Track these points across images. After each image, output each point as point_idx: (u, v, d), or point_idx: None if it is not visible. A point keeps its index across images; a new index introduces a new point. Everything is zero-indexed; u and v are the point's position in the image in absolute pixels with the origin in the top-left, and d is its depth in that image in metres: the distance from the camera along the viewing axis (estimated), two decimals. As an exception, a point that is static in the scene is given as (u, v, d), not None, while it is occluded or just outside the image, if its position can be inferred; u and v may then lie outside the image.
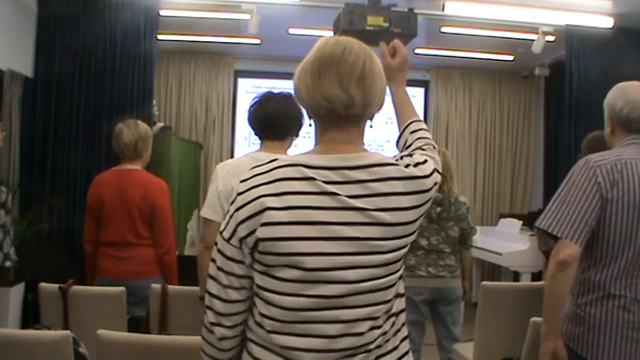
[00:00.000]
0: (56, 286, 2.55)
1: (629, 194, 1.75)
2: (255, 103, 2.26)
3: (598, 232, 1.78)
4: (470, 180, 6.77)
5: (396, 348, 1.23)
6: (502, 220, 6.12)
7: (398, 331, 1.24)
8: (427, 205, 1.21)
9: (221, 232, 1.19)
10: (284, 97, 2.21)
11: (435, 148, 1.40)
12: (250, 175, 1.18)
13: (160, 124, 5.06)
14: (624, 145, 1.86)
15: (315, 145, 1.22)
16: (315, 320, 1.12)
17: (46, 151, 4.29)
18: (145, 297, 2.66)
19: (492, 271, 6.26)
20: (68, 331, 1.85)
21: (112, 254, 2.85)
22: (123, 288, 2.56)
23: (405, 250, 1.20)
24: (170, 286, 2.66)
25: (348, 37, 1.21)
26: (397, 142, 1.47)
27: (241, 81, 6.65)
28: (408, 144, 1.41)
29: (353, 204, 1.12)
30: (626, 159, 1.79)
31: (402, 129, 1.46)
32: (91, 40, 4.32)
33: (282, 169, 1.15)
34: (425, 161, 1.25)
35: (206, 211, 2.20)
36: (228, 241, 1.17)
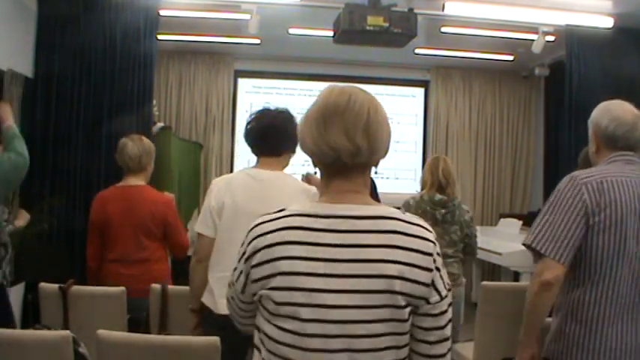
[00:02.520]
0: (56, 286, 2.55)
1: (616, 213, 1.75)
2: (251, 119, 2.26)
3: (584, 251, 1.77)
4: (470, 180, 6.77)
5: None
6: (502, 220, 6.12)
7: None
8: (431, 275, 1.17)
9: (234, 270, 1.25)
10: (279, 113, 2.21)
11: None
12: (260, 222, 1.20)
13: (160, 124, 5.05)
14: (609, 162, 1.87)
15: (321, 194, 1.23)
16: None
17: (46, 151, 4.28)
18: (146, 314, 2.68)
19: (492, 271, 6.26)
20: (68, 331, 1.86)
21: (120, 271, 2.85)
22: (123, 288, 2.56)
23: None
24: (170, 286, 2.66)
25: (352, 86, 1.22)
26: None
27: (241, 81, 6.65)
28: None
29: (360, 255, 1.12)
30: (612, 177, 1.79)
31: None
32: (91, 40, 4.32)
33: (290, 219, 1.17)
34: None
35: (199, 226, 2.21)
36: (234, 284, 1.26)
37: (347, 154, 1.15)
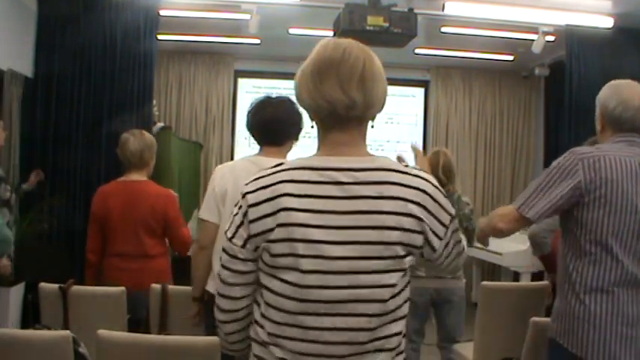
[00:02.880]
0: (56, 286, 2.55)
1: (612, 190, 1.76)
2: (252, 109, 2.24)
3: (583, 228, 1.79)
4: (470, 179, 6.77)
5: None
6: (502, 220, 6.10)
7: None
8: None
9: (225, 232, 1.21)
10: (282, 101, 2.20)
11: None
12: (258, 177, 1.19)
13: (160, 124, 5.06)
14: (613, 143, 1.87)
15: (318, 147, 1.23)
16: (312, 327, 1.13)
17: (46, 151, 4.28)
18: (146, 314, 2.67)
19: (492, 271, 6.26)
20: (68, 331, 1.86)
21: (120, 266, 2.85)
22: (123, 288, 2.56)
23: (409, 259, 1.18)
24: (170, 286, 2.66)
25: (348, 39, 1.22)
26: None
27: (241, 81, 6.65)
28: None
29: (361, 207, 1.13)
30: (611, 156, 1.80)
31: None
32: (91, 40, 4.32)
33: (289, 172, 1.16)
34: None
35: (202, 212, 2.22)
36: (230, 240, 1.19)
37: (342, 106, 1.16)
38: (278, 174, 1.16)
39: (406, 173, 1.18)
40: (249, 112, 2.26)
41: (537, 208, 1.79)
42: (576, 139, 4.58)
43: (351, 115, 1.17)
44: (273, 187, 1.15)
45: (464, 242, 1.28)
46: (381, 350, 1.16)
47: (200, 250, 2.23)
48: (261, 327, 1.18)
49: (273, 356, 1.16)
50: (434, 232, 1.18)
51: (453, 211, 1.22)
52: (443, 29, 5.11)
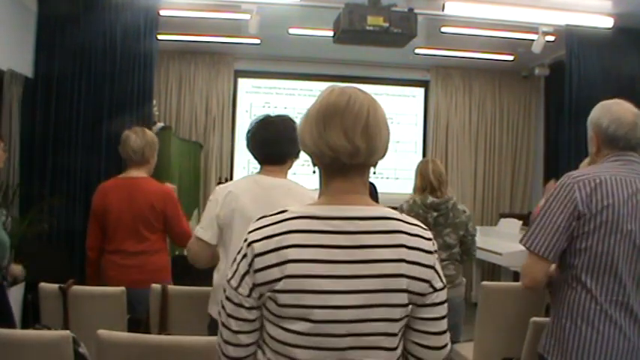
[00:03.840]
0: (56, 286, 2.55)
1: (609, 213, 1.75)
2: (252, 128, 2.23)
3: (579, 249, 1.78)
4: (470, 180, 6.77)
5: None
6: (502, 220, 6.11)
7: None
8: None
9: (228, 281, 1.20)
10: (282, 120, 2.19)
11: None
12: (263, 225, 1.18)
13: (160, 124, 5.05)
14: (608, 162, 1.86)
15: (320, 194, 1.24)
16: None
17: (46, 151, 4.28)
18: (146, 314, 2.67)
19: (492, 271, 6.26)
20: (68, 331, 1.86)
21: (118, 262, 2.86)
22: (123, 288, 2.56)
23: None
24: (170, 286, 2.66)
25: (353, 87, 1.22)
26: None
27: (241, 81, 6.65)
28: None
29: (367, 256, 1.14)
30: (606, 176, 1.79)
31: None
32: (91, 40, 4.32)
33: (295, 222, 1.16)
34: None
35: (200, 232, 2.18)
36: (236, 289, 1.18)
37: (346, 154, 1.16)
38: (284, 223, 1.16)
39: (408, 222, 1.20)
40: (249, 132, 2.25)
41: (547, 243, 1.79)
42: (576, 139, 4.58)
43: (354, 162, 1.18)
44: (280, 237, 1.15)
45: (448, 347, 1.25)
46: None
47: (192, 262, 2.25)
48: None
49: None
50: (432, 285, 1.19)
51: (444, 282, 1.22)
52: (443, 29, 5.11)
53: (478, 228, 6.13)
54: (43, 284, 2.59)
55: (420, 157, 6.80)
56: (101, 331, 1.78)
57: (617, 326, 1.75)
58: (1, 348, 1.79)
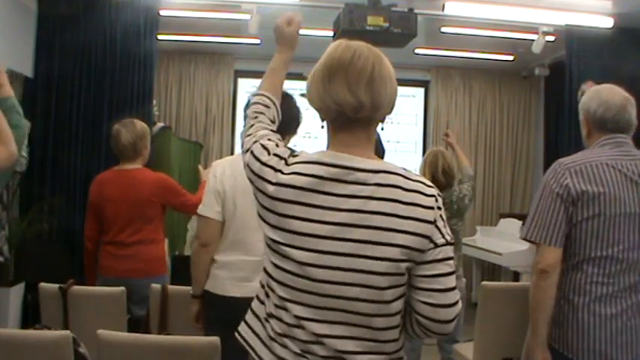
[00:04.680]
0: (56, 286, 2.55)
1: (603, 196, 1.77)
2: (249, 105, 2.24)
3: (577, 235, 1.80)
4: (470, 180, 6.76)
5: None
6: (502, 220, 6.11)
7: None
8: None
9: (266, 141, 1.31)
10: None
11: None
12: (297, 160, 1.23)
13: (160, 124, 5.06)
14: (598, 146, 1.88)
15: (327, 146, 1.27)
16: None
17: (46, 151, 4.28)
18: (145, 296, 2.67)
19: (492, 271, 6.26)
20: (68, 331, 1.86)
21: (113, 252, 2.87)
22: (123, 288, 2.56)
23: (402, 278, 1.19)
24: (170, 286, 2.66)
25: (359, 42, 1.24)
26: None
27: (241, 81, 6.65)
28: None
29: (358, 205, 1.16)
30: (596, 161, 1.81)
31: None
32: (91, 40, 4.32)
33: (300, 165, 1.21)
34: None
35: (202, 209, 2.19)
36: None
37: (350, 108, 1.18)
38: (295, 165, 1.21)
39: (408, 178, 1.19)
40: (246, 107, 2.25)
41: (553, 233, 1.80)
42: (576, 139, 4.57)
43: (358, 116, 1.19)
44: (287, 176, 1.20)
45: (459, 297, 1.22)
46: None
47: (201, 247, 2.21)
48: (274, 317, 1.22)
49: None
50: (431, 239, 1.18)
51: (450, 237, 1.22)
52: (443, 29, 5.11)
53: (478, 228, 6.17)
54: (43, 284, 2.59)
55: (420, 157, 6.80)
56: (101, 331, 1.78)
57: (617, 309, 1.76)
58: (1, 348, 1.79)
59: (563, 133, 5.02)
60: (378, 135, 4.22)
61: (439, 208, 1.20)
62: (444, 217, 1.21)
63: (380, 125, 1.27)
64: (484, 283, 2.93)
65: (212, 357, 1.76)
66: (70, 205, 4.21)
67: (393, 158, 6.59)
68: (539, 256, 1.83)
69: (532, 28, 4.84)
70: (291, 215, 1.17)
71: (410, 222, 1.15)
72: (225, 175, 2.16)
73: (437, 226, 1.18)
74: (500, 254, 5.23)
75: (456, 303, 1.20)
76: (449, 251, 1.20)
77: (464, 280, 3.33)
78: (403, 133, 6.74)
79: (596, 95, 1.93)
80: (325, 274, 1.15)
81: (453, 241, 1.21)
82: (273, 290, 1.21)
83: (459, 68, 6.67)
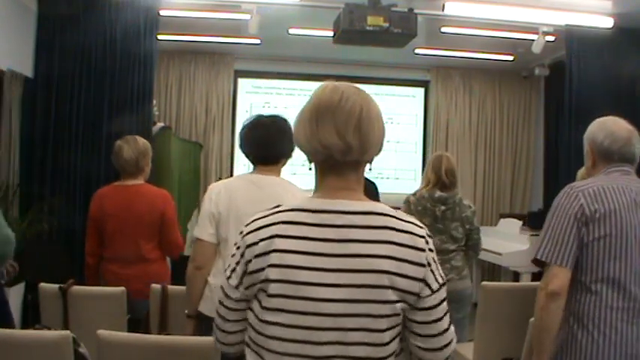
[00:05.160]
0: (56, 286, 2.55)
1: (614, 218, 1.78)
2: (245, 129, 2.24)
3: (588, 257, 1.80)
4: (470, 180, 6.77)
5: None
6: (502, 220, 6.11)
7: None
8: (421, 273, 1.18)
9: (225, 271, 1.25)
10: (274, 121, 2.20)
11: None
12: (257, 217, 1.22)
13: (160, 124, 5.05)
14: (605, 174, 1.90)
15: (315, 190, 1.25)
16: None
17: (46, 151, 4.28)
18: (145, 312, 2.67)
19: (492, 271, 6.26)
20: (68, 331, 1.86)
21: (116, 272, 2.85)
22: (123, 288, 2.56)
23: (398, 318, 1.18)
24: (170, 287, 2.66)
25: (346, 84, 1.23)
26: None
27: (241, 81, 6.65)
28: None
29: (352, 250, 1.14)
30: (608, 185, 1.83)
31: None
32: (91, 40, 4.32)
33: (286, 214, 1.18)
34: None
35: (198, 231, 2.19)
36: (228, 279, 1.23)
37: (338, 151, 1.16)
38: (275, 215, 1.19)
39: (400, 219, 1.19)
40: (242, 133, 2.26)
41: (565, 254, 1.80)
42: (576, 138, 4.56)
43: (347, 159, 1.18)
44: (269, 227, 1.17)
45: (454, 342, 1.23)
46: None
47: (195, 270, 2.20)
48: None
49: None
50: (427, 284, 1.18)
51: (443, 279, 1.22)
52: (443, 29, 5.11)
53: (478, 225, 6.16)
54: (43, 284, 2.60)
55: (420, 157, 6.81)
56: (101, 331, 1.78)
57: (624, 333, 1.75)
58: (1, 348, 1.79)
59: (563, 133, 5.02)
60: (374, 183, 4.26)
61: (431, 250, 1.19)
62: (436, 259, 1.21)
63: (368, 166, 1.25)
64: (484, 283, 2.93)
65: (212, 357, 1.76)
66: (70, 205, 4.21)
67: (393, 158, 6.61)
68: (549, 277, 1.82)
69: (532, 28, 4.84)
70: (283, 265, 1.14)
71: (405, 265, 1.15)
72: (220, 196, 2.16)
73: (431, 269, 1.18)
74: (500, 254, 5.23)
75: (450, 343, 1.22)
76: (443, 293, 1.21)
77: (469, 279, 3.33)
78: (403, 133, 6.74)
79: (602, 127, 1.95)
80: (325, 322, 1.13)
81: (445, 282, 1.22)
82: (266, 349, 1.17)
83: (459, 68, 6.67)
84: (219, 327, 1.27)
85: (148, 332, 2.57)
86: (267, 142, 2.18)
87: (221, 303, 1.25)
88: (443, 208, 3.14)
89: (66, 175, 4.29)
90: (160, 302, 2.61)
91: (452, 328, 1.23)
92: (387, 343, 1.16)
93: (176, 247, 2.95)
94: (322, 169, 1.22)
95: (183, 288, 2.61)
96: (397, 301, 1.15)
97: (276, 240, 1.15)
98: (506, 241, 5.37)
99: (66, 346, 1.80)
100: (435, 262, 1.20)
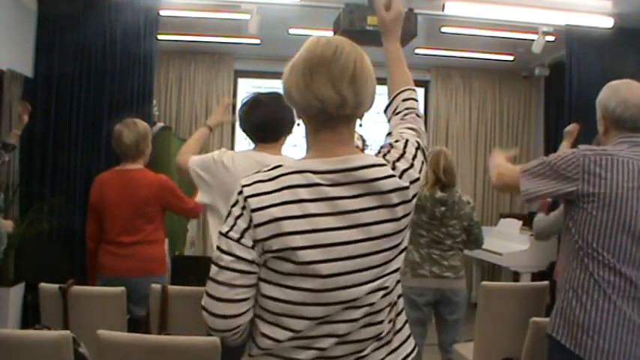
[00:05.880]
0: (56, 286, 2.55)
1: (615, 189, 1.75)
2: (244, 108, 2.24)
3: (586, 228, 1.78)
4: (470, 180, 6.77)
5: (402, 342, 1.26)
6: (502, 220, 6.12)
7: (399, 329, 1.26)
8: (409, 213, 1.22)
9: (226, 233, 1.14)
10: (273, 99, 2.19)
11: (419, 117, 1.44)
12: (257, 180, 1.15)
13: (160, 124, 5.06)
14: (615, 144, 1.87)
15: (308, 147, 1.22)
16: (329, 321, 1.15)
17: (46, 151, 4.28)
18: (145, 295, 2.66)
19: (492, 271, 6.26)
20: (68, 331, 1.85)
21: (113, 251, 2.87)
22: (123, 288, 2.56)
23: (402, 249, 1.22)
24: (170, 286, 2.66)
25: (339, 37, 1.22)
26: (386, 108, 1.49)
27: (241, 81, 6.65)
28: (397, 111, 1.46)
29: (360, 205, 1.14)
30: (613, 155, 1.80)
31: (393, 95, 1.50)
32: (91, 40, 4.32)
33: (288, 177, 1.14)
34: (411, 166, 1.23)
35: (201, 197, 2.25)
36: (238, 240, 1.12)
37: (333, 105, 1.15)
38: (282, 178, 1.14)
39: (386, 164, 1.21)
40: (240, 112, 2.26)
41: (532, 189, 1.87)
42: (576, 138, 4.58)
43: (341, 113, 1.17)
44: (280, 192, 1.12)
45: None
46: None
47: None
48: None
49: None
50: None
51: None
52: (443, 29, 5.11)
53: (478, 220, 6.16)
54: (43, 284, 2.59)
55: (420, 157, 6.81)
56: (101, 331, 1.78)
57: (617, 305, 1.74)
58: (1, 348, 1.79)
59: (563, 133, 5.01)
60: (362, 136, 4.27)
61: (416, 179, 1.23)
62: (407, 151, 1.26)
63: (359, 122, 1.25)
64: (484, 283, 2.93)
65: (212, 357, 1.76)
66: (70, 205, 4.21)
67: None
68: (505, 172, 2.03)
69: (532, 28, 4.85)
70: (308, 230, 1.11)
71: (403, 192, 1.18)
72: (226, 165, 2.15)
73: (413, 164, 1.24)
74: (500, 254, 5.23)
75: None
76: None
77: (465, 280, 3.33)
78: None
79: (615, 93, 1.92)
80: (350, 280, 1.13)
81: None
82: (291, 316, 1.13)
83: (459, 68, 6.67)
84: (221, 296, 1.13)
85: (148, 332, 2.57)
86: (267, 120, 2.18)
87: (225, 267, 1.12)
88: (443, 209, 3.13)
89: (66, 175, 4.30)
90: (160, 302, 2.61)
91: None
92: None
93: (192, 212, 3.05)
94: (315, 124, 1.20)
95: (183, 288, 2.62)
96: (404, 216, 1.19)
97: (290, 206, 1.11)
98: (506, 241, 5.37)
99: (66, 346, 1.80)
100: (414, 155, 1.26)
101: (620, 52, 4.71)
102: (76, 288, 2.56)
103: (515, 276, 5.35)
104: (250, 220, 1.12)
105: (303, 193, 1.12)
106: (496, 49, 5.91)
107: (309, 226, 1.11)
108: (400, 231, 1.19)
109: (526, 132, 6.94)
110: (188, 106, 6.41)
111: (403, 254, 1.23)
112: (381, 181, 1.16)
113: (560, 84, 5.11)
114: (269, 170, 1.16)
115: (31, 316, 3.68)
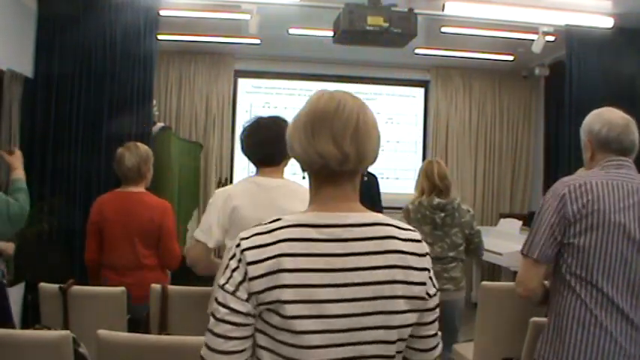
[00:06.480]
0: (56, 286, 2.55)
1: (601, 215, 1.76)
2: (246, 132, 2.25)
3: (574, 253, 1.79)
4: (470, 180, 6.77)
5: None
6: (502, 220, 6.11)
7: None
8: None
9: (222, 286, 1.15)
10: (274, 122, 2.20)
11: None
12: (255, 233, 1.15)
13: (160, 124, 5.06)
14: (601, 168, 1.88)
15: (311, 201, 1.22)
16: None
17: (46, 151, 4.28)
18: (145, 316, 2.67)
19: (492, 271, 6.26)
20: (68, 331, 1.86)
21: (114, 279, 2.84)
22: (123, 288, 2.56)
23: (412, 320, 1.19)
24: (170, 287, 2.66)
25: (342, 92, 1.20)
26: None
27: (241, 81, 6.65)
28: None
29: (363, 262, 1.13)
30: (596, 180, 1.82)
31: None
32: (91, 40, 4.32)
33: (285, 230, 1.14)
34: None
35: (199, 234, 2.20)
36: (233, 293, 1.13)
37: (335, 161, 1.14)
38: (278, 232, 1.13)
39: (399, 227, 1.19)
40: (242, 136, 2.26)
41: (537, 246, 1.84)
42: (576, 139, 4.54)
43: (343, 169, 1.16)
44: (274, 245, 1.12)
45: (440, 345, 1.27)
46: None
47: (190, 265, 2.27)
48: None
49: None
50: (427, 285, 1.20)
51: (436, 286, 1.23)
52: (443, 29, 5.11)
53: (478, 228, 6.16)
54: (43, 284, 2.59)
55: (420, 157, 6.81)
56: (101, 331, 1.78)
57: (607, 331, 1.75)
58: (1, 348, 1.79)
59: (563, 133, 5.02)
60: (375, 176, 4.26)
61: (428, 254, 1.21)
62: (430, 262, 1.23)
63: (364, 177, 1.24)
64: (484, 283, 2.93)
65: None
66: (70, 205, 4.21)
67: (393, 158, 6.61)
68: (521, 277, 1.91)
69: (532, 28, 4.84)
70: (297, 285, 1.10)
71: (412, 272, 1.16)
72: (226, 203, 2.15)
73: (430, 275, 1.20)
74: (500, 254, 5.23)
75: (437, 345, 1.25)
76: (436, 299, 1.23)
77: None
78: (403, 133, 6.75)
79: (598, 116, 1.94)
80: (341, 338, 1.11)
81: (438, 289, 1.23)
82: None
83: (458, 68, 6.68)
84: (217, 348, 1.14)
85: (148, 332, 2.57)
86: (269, 144, 2.18)
87: (221, 320, 1.13)
88: (442, 215, 3.14)
89: (66, 175, 4.29)
90: (160, 303, 2.61)
91: (439, 333, 1.26)
92: (393, 357, 1.16)
93: (174, 256, 2.93)
94: (317, 178, 1.20)
95: (183, 288, 2.62)
96: (407, 311, 1.15)
97: (284, 259, 1.10)
98: (506, 241, 5.37)
99: (66, 346, 1.80)
100: (431, 266, 1.22)
101: (620, 52, 4.71)
102: (76, 288, 2.56)
103: (515, 276, 5.34)
104: (245, 273, 1.12)
105: (298, 248, 1.12)
106: (496, 49, 5.91)
107: (298, 281, 1.10)
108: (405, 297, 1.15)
109: (526, 132, 6.94)
110: (188, 106, 6.41)
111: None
112: (385, 240, 1.15)
113: (560, 84, 5.11)
114: (268, 223, 1.16)
115: (31, 316, 3.67)
